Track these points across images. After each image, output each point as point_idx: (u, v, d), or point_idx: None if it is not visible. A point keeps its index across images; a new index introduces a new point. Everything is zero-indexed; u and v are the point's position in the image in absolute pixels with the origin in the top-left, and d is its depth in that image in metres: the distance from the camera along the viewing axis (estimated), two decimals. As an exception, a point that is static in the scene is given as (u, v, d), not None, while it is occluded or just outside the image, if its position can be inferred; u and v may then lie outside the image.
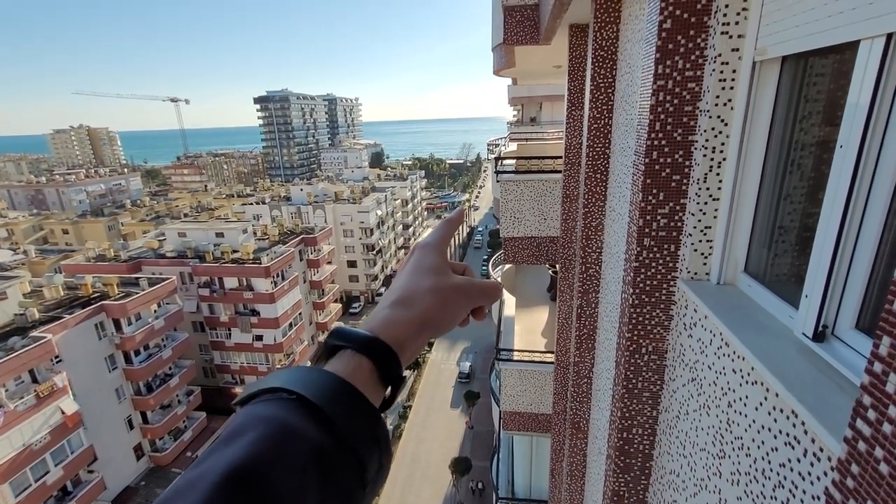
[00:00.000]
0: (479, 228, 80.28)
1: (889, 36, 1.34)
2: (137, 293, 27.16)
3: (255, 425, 0.41)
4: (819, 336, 1.64)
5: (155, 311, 28.75)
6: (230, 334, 34.77)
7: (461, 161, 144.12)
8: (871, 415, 0.86)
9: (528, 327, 11.32)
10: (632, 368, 2.80)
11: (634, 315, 2.70)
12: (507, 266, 15.45)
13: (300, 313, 37.54)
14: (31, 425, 20.76)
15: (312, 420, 0.44)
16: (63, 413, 21.89)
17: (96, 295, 26.73)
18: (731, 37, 2.10)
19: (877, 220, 1.42)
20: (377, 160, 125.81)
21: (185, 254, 34.68)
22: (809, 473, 1.39)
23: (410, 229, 68.43)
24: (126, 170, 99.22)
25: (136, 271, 32.74)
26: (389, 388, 0.57)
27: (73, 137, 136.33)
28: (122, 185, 79.47)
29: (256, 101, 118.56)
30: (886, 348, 0.83)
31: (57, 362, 22.66)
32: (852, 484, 0.91)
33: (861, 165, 1.45)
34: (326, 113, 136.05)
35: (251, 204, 54.38)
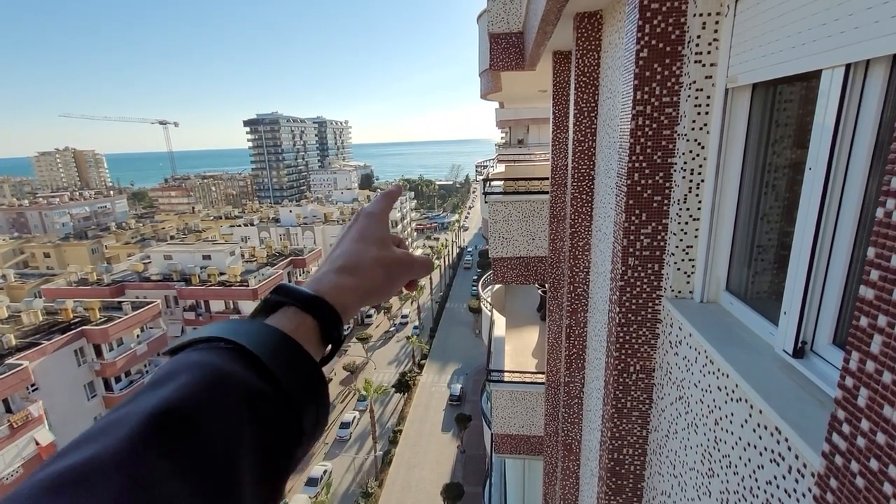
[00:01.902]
0: (469, 249, 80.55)
1: (848, 66, 1.42)
2: (120, 318, 26.52)
3: (187, 370, 0.40)
4: (799, 352, 1.67)
5: (137, 335, 28.05)
6: (215, 359, 33.96)
7: (450, 182, 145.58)
8: (846, 429, 0.88)
9: (518, 348, 11.27)
10: (620, 387, 2.81)
11: (621, 334, 2.72)
12: (497, 286, 15.47)
13: (288, 336, 36.87)
14: (2, 458, 19.81)
15: (249, 369, 0.42)
16: (38, 444, 20.96)
17: (77, 320, 26.03)
18: (703, 65, 2.21)
19: (847, 238, 1.47)
20: (367, 182, 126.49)
21: (170, 277, 34.12)
22: (795, 490, 1.40)
23: (400, 250, 68.22)
24: (112, 192, 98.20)
25: (119, 295, 32.05)
26: (329, 348, 0.57)
27: (58, 160, 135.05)
28: (108, 207, 78.49)
29: (246, 123, 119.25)
30: (856, 363, 0.86)
31: (33, 390, 21.85)
32: (832, 499, 0.93)
33: (829, 186, 1.52)
34: (316, 135, 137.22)
35: (239, 226, 54.02)
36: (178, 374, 0.39)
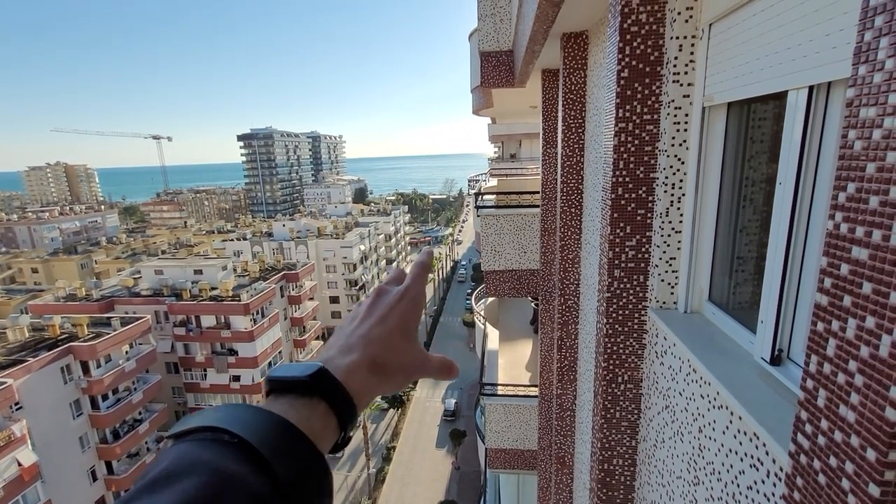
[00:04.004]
0: (463, 262, 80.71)
1: (811, 88, 1.51)
2: (108, 334, 26.10)
3: (189, 471, 0.38)
4: (776, 359, 1.73)
5: (126, 352, 27.58)
6: (205, 375, 33.44)
7: (444, 196, 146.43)
8: (808, 428, 0.93)
9: (512, 361, 11.26)
10: (609, 398, 2.84)
11: (609, 345, 2.77)
12: (491, 299, 15.50)
13: (280, 351, 36.50)
14: (-17, 480, 19.25)
15: (254, 469, 0.40)
16: (20, 465, 20.37)
17: (64, 336, 25.58)
18: (681, 85, 2.31)
19: (817, 249, 1.54)
20: (360, 196, 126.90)
21: (161, 292, 33.75)
22: (773, 494, 1.44)
23: (394, 264, 68.24)
24: (103, 207, 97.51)
25: (108, 311, 31.61)
26: (342, 437, 0.55)
27: (48, 174, 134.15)
28: (98, 222, 77.86)
29: (240, 138, 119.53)
30: (815, 365, 0.91)
31: (17, 409, 21.31)
32: (798, 497, 0.97)
33: (798, 200, 1.59)
34: (310, 150, 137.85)
35: (232, 240, 53.73)
36: (178, 476, 0.37)
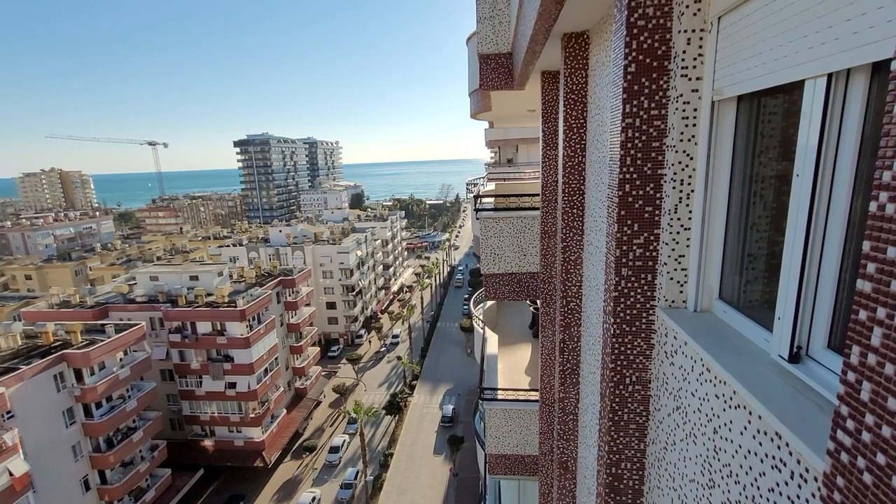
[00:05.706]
0: (460, 268, 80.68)
1: (830, 75, 1.47)
2: (102, 341, 25.79)
3: None
4: (794, 357, 1.68)
5: (121, 359, 27.25)
6: (201, 382, 33.08)
7: (441, 201, 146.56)
8: (850, 424, 0.88)
9: (511, 365, 11.16)
10: (617, 400, 2.78)
11: (617, 345, 2.71)
12: (489, 304, 15.42)
13: (276, 358, 36.20)
14: (-27, 490, 18.88)
15: None
16: (11, 475, 20.00)
17: (57, 343, 25.27)
18: (690, 79, 2.27)
19: (837, 241, 1.50)
20: (357, 201, 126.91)
21: (156, 298, 33.47)
22: (798, 497, 1.38)
23: (391, 269, 68.10)
24: (98, 213, 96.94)
25: (102, 317, 31.29)
26: None
27: (43, 181, 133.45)
28: (93, 228, 77.41)
29: (237, 144, 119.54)
30: (857, 357, 0.86)
31: (8, 418, 20.97)
32: (840, 498, 0.91)
33: (817, 191, 1.55)
34: (307, 156, 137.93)
35: (228, 246, 53.46)
36: None
